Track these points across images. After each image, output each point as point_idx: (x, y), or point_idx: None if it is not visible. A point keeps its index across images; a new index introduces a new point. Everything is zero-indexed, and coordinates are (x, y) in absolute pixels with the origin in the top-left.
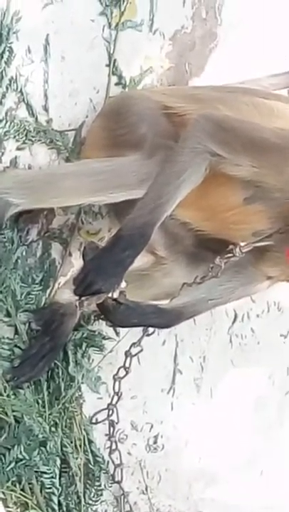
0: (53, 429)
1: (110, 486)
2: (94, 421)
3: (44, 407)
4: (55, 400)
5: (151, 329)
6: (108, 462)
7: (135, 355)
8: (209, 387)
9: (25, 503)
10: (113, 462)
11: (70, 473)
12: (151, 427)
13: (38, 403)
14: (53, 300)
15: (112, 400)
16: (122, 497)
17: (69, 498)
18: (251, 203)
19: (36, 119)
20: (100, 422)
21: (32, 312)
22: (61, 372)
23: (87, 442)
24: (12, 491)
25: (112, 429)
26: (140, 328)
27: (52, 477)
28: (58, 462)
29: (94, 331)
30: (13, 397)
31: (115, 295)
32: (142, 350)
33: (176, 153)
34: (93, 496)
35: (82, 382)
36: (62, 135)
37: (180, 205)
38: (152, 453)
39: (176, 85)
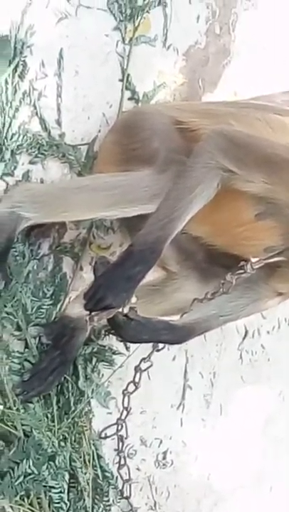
0: (62, 443)
1: (119, 502)
2: (103, 436)
3: (53, 421)
4: (64, 414)
5: (161, 345)
6: (117, 477)
7: (145, 370)
8: (219, 403)
9: None
10: (122, 477)
11: (79, 488)
12: (161, 442)
13: (47, 417)
14: (64, 314)
15: (121, 415)
16: None
17: None
18: (263, 219)
19: (49, 133)
20: (108, 436)
21: (42, 326)
22: (71, 386)
23: (96, 457)
24: (20, 505)
25: (121, 444)
26: (150, 344)
27: (60, 492)
28: (67, 477)
29: (104, 346)
30: (22, 411)
31: (126, 310)
32: (151, 365)
33: (189, 168)
34: None
35: (92, 397)
36: (75, 149)
37: (192, 220)
38: (161, 469)
39: (190, 101)
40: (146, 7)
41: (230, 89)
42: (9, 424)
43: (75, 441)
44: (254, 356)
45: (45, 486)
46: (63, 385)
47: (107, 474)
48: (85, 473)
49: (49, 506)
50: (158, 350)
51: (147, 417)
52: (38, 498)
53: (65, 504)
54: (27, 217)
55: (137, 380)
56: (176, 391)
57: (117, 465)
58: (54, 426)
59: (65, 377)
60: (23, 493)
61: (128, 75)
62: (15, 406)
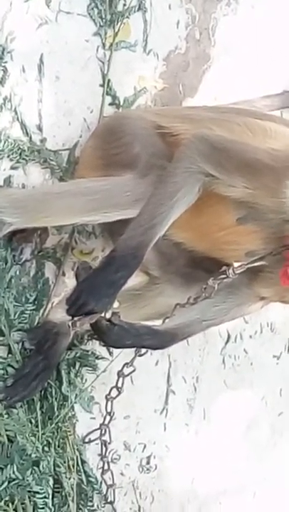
0: (46, 448)
1: (103, 507)
2: (87, 440)
3: (37, 426)
4: (48, 419)
5: (143, 349)
6: (101, 482)
7: (128, 375)
8: (202, 407)
9: None
10: (106, 482)
11: (63, 494)
12: (144, 447)
13: (31, 422)
14: (47, 319)
15: (104, 419)
16: None
17: None
18: (244, 224)
19: (30, 138)
20: (92, 441)
21: (25, 331)
22: (54, 391)
23: (80, 462)
24: (5, 510)
25: (104, 449)
26: (133, 349)
27: (45, 497)
28: (51, 482)
29: (87, 351)
30: (6, 416)
31: (108, 315)
32: (134, 370)
33: (170, 173)
34: None
35: (75, 402)
36: (56, 154)
37: (173, 225)
38: (145, 473)
39: (170, 105)
40: (126, 12)
41: (210, 94)
42: None
43: (58, 446)
44: (237, 361)
45: (29, 492)
46: (47, 390)
47: (91, 479)
48: (69, 479)
49: (34, 511)
50: (141, 355)
51: (131, 421)
52: (22, 504)
53: (50, 509)
54: (9, 222)
55: (119, 385)
56: (160, 396)
57: (101, 470)
58: (38, 431)
59: (48, 383)
60: (7, 498)
61: (109, 80)
62: None
